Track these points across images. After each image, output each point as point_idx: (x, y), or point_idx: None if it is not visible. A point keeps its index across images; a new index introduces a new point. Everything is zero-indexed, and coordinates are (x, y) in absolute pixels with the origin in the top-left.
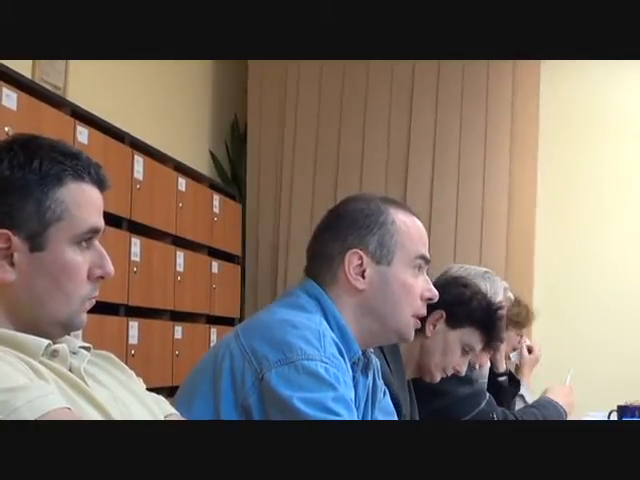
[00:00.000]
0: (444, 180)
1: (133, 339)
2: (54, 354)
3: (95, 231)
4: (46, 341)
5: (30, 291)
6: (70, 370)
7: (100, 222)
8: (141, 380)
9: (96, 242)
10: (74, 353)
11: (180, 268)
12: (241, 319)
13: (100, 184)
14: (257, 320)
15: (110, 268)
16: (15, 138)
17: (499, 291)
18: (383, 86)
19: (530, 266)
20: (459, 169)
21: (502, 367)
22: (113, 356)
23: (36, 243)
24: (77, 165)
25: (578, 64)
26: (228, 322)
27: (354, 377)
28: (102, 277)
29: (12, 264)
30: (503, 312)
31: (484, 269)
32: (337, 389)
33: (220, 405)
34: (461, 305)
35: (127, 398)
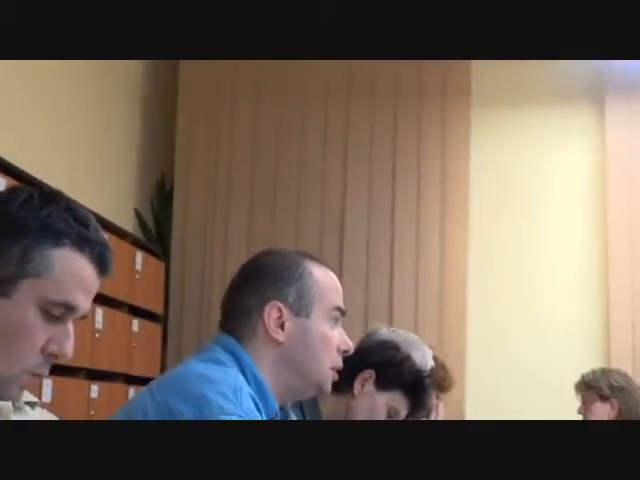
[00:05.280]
0: (379, 243)
1: (47, 397)
2: None
3: (70, 308)
4: None
5: None
6: None
7: (80, 302)
8: None
9: (69, 321)
10: (18, 409)
11: (99, 325)
12: None
13: (100, 266)
14: (172, 375)
15: (68, 350)
16: (41, 189)
17: (429, 359)
18: (317, 139)
19: (463, 327)
20: (393, 220)
21: None
22: (54, 417)
23: (4, 288)
24: (83, 235)
25: (509, 131)
26: (147, 382)
27: None
28: (56, 356)
29: None
30: (432, 381)
31: (414, 336)
32: None
33: None
34: (392, 367)
35: None
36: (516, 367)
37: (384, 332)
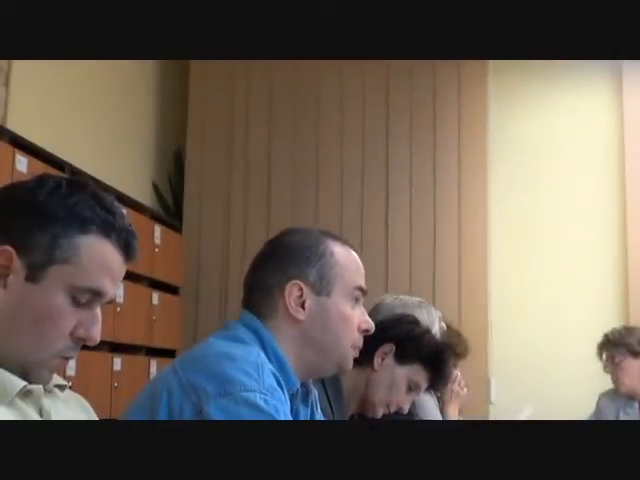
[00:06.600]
0: (398, 208)
1: (71, 370)
2: (27, 394)
3: (97, 293)
4: (22, 383)
5: (9, 319)
6: (41, 411)
7: (107, 287)
8: None
9: (97, 306)
10: (48, 392)
11: (120, 299)
12: (182, 351)
13: (126, 252)
14: (195, 353)
15: (96, 334)
16: (69, 176)
17: (435, 320)
18: (334, 111)
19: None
20: (411, 191)
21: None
22: (84, 400)
23: (33, 274)
24: (109, 222)
25: (526, 93)
26: (168, 354)
27: (294, 408)
28: (84, 340)
29: (5, 285)
30: (451, 353)
31: (418, 299)
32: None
33: None
34: (411, 341)
35: None
36: (540, 332)
37: (390, 301)
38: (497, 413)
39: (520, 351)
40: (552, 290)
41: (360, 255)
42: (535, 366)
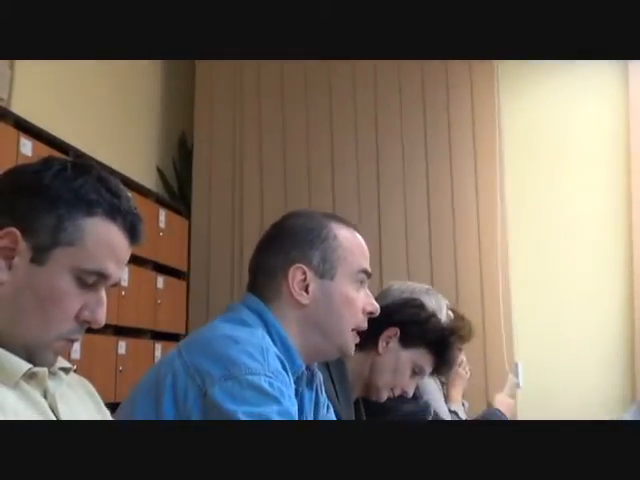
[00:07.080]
0: (414, 196)
1: (76, 353)
2: (31, 376)
3: (102, 276)
4: (27, 365)
5: (13, 300)
6: (45, 394)
7: (112, 270)
8: (108, 413)
9: (102, 288)
10: (53, 374)
11: (124, 283)
12: (186, 335)
13: (131, 235)
14: (199, 336)
15: (100, 317)
16: (74, 159)
17: (442, 307)
18: (345, 94)
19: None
20: (428, 180)
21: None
22: (89, 384)
23: (38, 256)
24: (114, 204)
25: (536, 82)
26: (173, 338)
27: (299, 391)
28: (88, 322)
29: (10, 267)
30: (456, 338)
31: (426, 286)
32: (282, 403)
33: None
34: (416, 325)
35: None
36: (561, 317)
37: (397, 287)
38: (526, 397)
39: (545, 337)
40: (565, 283)
41: (378, 244)
42: (559, 351)
